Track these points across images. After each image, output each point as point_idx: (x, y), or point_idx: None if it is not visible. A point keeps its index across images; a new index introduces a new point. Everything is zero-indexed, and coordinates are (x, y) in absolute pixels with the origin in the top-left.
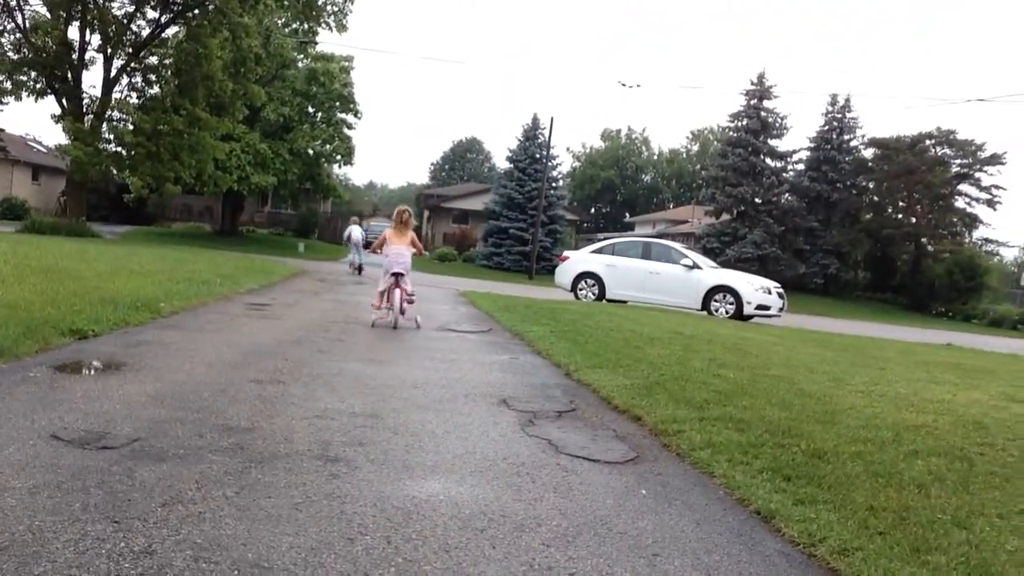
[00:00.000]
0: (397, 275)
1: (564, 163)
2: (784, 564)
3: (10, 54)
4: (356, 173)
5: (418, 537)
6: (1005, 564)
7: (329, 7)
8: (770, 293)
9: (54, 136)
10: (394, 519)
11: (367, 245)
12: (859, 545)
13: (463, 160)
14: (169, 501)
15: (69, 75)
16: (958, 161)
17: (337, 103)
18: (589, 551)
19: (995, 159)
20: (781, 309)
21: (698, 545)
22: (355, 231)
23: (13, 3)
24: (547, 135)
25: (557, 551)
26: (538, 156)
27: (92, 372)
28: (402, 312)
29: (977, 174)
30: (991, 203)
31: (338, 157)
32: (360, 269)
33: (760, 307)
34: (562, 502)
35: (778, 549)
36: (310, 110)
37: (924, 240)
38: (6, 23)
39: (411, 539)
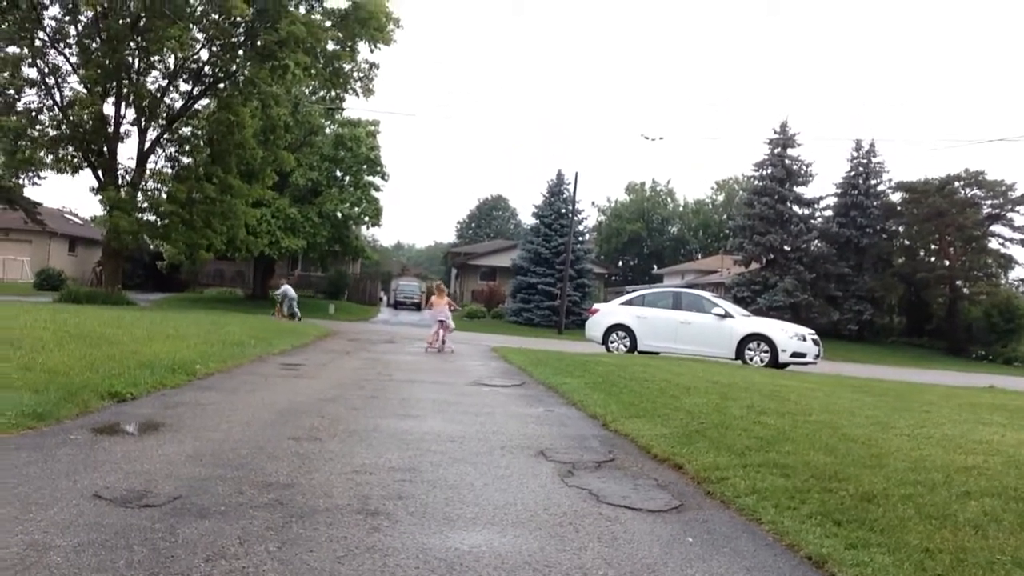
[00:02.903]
0: (442, 322)
1: (590, 217)
2: None
3: (49, 130)
4: (384, 234)
5: None
6: None
7: (355, 73)
8: (805, 340)
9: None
10: (437, 570)
11: (398, 304)
12: None
13: (489, 217)
14: (212, 556)
15: (105, 148)
16: (989, 202)
17: (364, 166)
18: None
19: None
20: (817, 356)
21: None
22: (289, 290)
23: (51, 82)
24: (572, 190)
25: None
26: (563, 211)
27: (131, 433)
28: (443, 345)
29: (1009, 214)
30: None
31: (366, 219)
32: (294, 316)
33: (795, 354)
34: (607, 551)
35: None
36: (338, 174)
37: (959, 283)
38: (45, 101)
39: None
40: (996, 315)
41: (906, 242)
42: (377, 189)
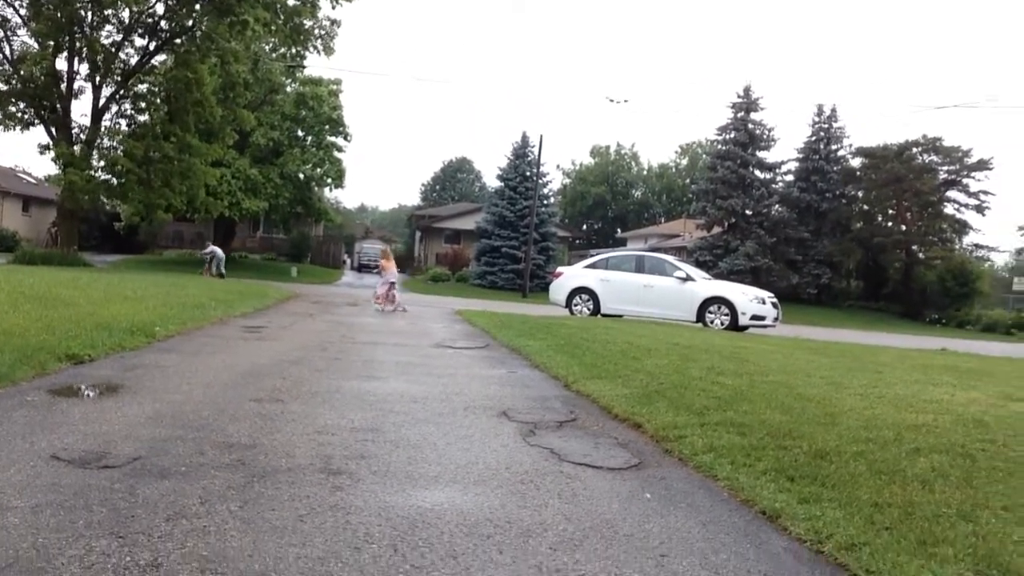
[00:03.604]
0: (392, 283)
1: (554, 180)
2: (792, 561)
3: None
4: (347, 196)
5: (424, 544)
6: (1012, 553)
7: (316, 30)
8: (764, 303)
9: (43, 168)
10: (399, 528)
11: (362, 267)
12: (866, 540)
13: (454, 180)
14: (173, 516)
15: (58, 105)
16: (945, 168)
17: (326, 126)
18: (596, 554)
19: (982, 164)
20: (776, 319)
21: (705, 545)
22: (217, 250)
23: (1, 35)
24: (536, 153)
25: (564, 554)
26: (528, 174)
27: (90, 395)
28: (393, 302)
29: (965, 180)
30: (980, 209)
31: (329, 180)
32: (222, 276)
33: (755, 317)
34: (567, 507)
35: (785, 547)
36: (300, 134)
37: (915, 248)
38: None
39: (418, 547)
40: (950, 279)
41: (864, 207)
42: (340, 150)
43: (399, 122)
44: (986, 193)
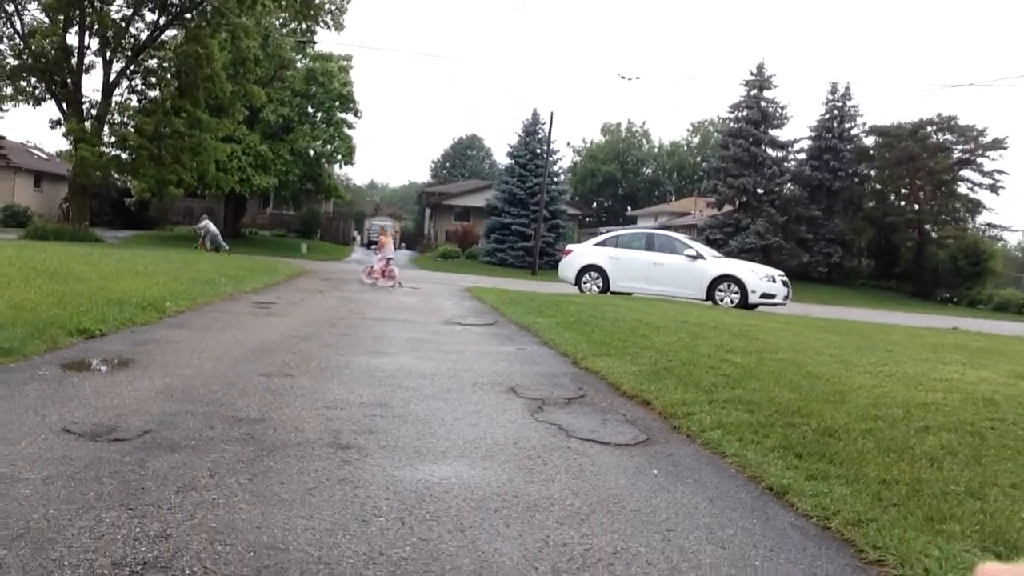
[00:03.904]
0: (389, 259)
1: (565, 158)
2: (798, 536)
3: (10, 60)
4: (357, 173)
5: (432, 518)
6: (1020, 530)
7: (327, 5)
8: (774, 281)
9: (55, 144)
10: (407, 501)
11: (371, 243)
12: (873, 516)
13: (464, 157)
14: (183, 488)
15: (68, 80)
16: (959, 147)
17: (337, 103)
18: (603, 528)
19: (996, 144)
20: (786, 297)
21: (712, 520)
22: (210, 225)
23: (11, 9)
24: (547, 130)
25: (571, 528)
26: (539, 151)
27: (101, 369)
28: (393, 278)
29: (979, 159)
30: (994, 188)
31: (339, 157)
32: (218, 250)
33: (765, 295)
34: (574, 483)
35: (792, 523)
36: (310, 110)
37: (927, 227)
38: (5, 29)
39: (425, 519)
40: (962, 259)
41: (877, 186)
42: (350, 126)
43: (409, 99)
44: (1000, 172)
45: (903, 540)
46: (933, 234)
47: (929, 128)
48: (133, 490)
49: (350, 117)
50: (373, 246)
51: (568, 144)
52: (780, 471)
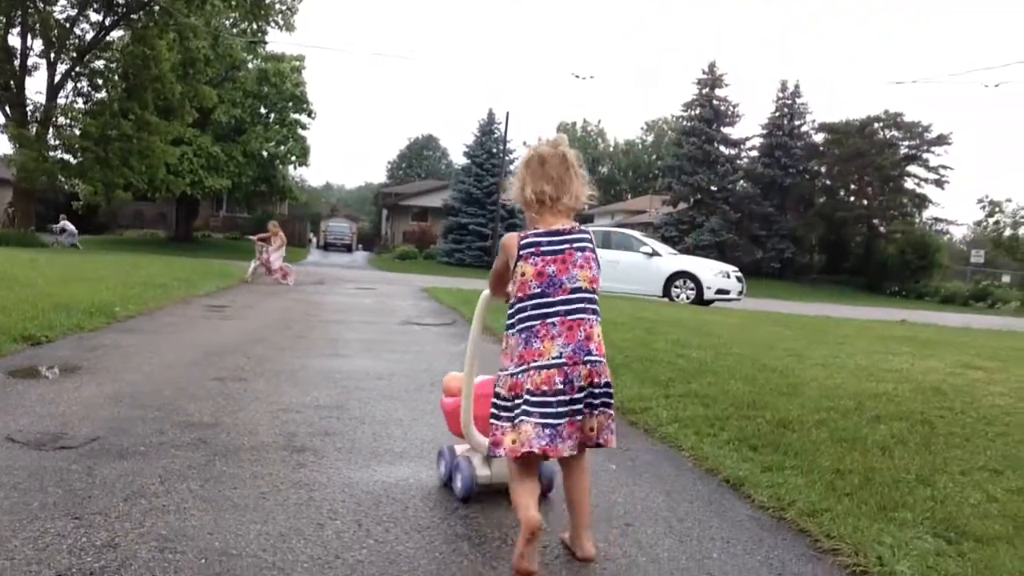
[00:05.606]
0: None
1: (521, 157)
2: (755, 528)
3: None
4: (312, 175)
5: (389, 519)
6: (969, 516)
7: (278, 5)
8: (729, 277)
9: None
10: (364, 503)
11: (328, 245)
12: (827, 506)
13: (420, 157)
14: (131, 496)
15: (11, 82)
16: (906, 143)
17: (290, 103)
18: (563, 525)
19: (941, 140)
20: (740, 293)
21: (670, 514)
22: (67, 224)
23: None
24: (503, 129)
25: None
26: (495, 151)
27: (47, 376)
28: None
29: (925, 155)
30: (939, 183)
31: (293, 158)
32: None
33: (720, 291)
34: None
35: (748, 514)
36: (262, 111)
37: (876, 222)
38: None
39: (382, 521)
40: (910, 252)
41: (827, 182)
42: (304, 127)
43: (364, 100)
44: (945, 168)
45: (857, 528)
46: (882, 229)
47: (876, 125)
48: (79, 499)
49: (304, 118)
50: (332, 248)
51: (524, 143)
52: (736, 463)
